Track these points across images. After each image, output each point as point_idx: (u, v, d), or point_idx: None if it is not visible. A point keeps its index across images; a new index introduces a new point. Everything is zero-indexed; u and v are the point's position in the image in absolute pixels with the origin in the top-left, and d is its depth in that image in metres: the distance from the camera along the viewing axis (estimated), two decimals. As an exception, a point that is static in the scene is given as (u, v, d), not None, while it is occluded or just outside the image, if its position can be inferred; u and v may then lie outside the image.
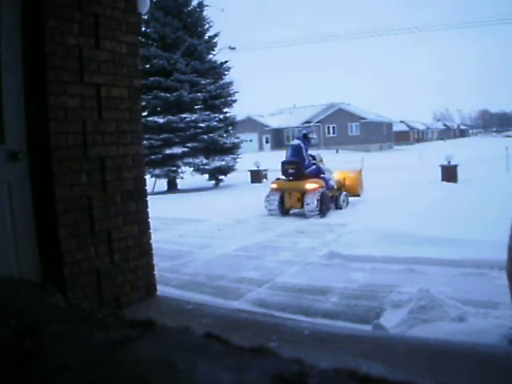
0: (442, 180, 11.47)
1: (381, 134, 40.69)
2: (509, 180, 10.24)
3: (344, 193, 8.45)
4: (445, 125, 75.42)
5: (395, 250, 4.67)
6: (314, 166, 8.05)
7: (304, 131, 8.39)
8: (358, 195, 8.89)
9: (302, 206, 7.56)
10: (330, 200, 8.13)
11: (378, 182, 10.56)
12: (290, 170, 7.86)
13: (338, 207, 8.22)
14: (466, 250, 4.40)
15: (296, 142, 8.18)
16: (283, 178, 8.17)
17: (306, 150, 8.01)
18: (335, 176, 8.74)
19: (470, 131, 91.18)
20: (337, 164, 10.32)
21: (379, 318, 2.95)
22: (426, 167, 14.88)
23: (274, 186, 8.00)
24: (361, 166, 9.20)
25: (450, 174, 11.43)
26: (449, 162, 11.70)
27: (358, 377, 0.31)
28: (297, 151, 7.94)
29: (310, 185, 7.55)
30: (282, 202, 7.83)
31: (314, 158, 8.29)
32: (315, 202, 7.30)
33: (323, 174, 8.05)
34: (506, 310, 2.75)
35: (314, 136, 8.59)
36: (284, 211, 7.90)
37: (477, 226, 5.21)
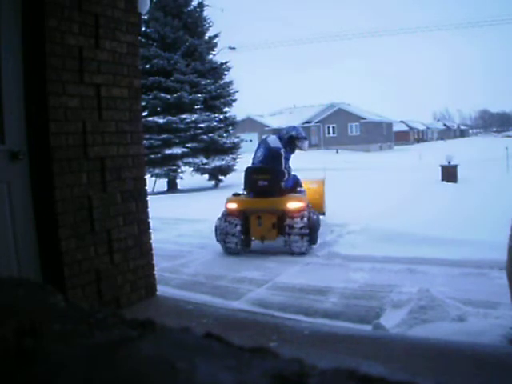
0: (442, 180, 11.49)
1: (381, 134, 40.68)
2: (509, 180, 10.24)
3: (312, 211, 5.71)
4: (445, 125, 75.43)
5: (395, 250, 4.67)
6: (292, 176, 5.63)
7: (293, 132, 5.62)
8: (323, 213, 6.50)
9: (277, 236, 5.13)
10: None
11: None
12: (261, 182, 5.16)
13: None
14: (466, 250, 4.41)
15: (275, 143, 5.46)
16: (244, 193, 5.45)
17: (287, 160, 5.48)
18: None
19: (470, 131, 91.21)
20: (336, 165, 10.08)
21: (379, 318, 2.95)
22: (426, 167, 14.87)
23: (233, 205, 5.18)
24: (323, 174, 7.03)
25: (450, 174, 11.45)
26: (449, 162, 11.72)
27: (358, 377, 0.31)
28: (273, 157, 5.32)
29: (292, 203, 5.05)
30: (245, 231, 5.13)
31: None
32: (304, 227, 4.89)
33: (300, 185, 5.69)
34: (506, 310, 2.75)
35: (305, 142, 5.79)
36: (247, 244, 5.26)
37: (477, 226, 5.21)
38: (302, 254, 4.91)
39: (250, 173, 5.34)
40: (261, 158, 5.43)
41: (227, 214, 5.18)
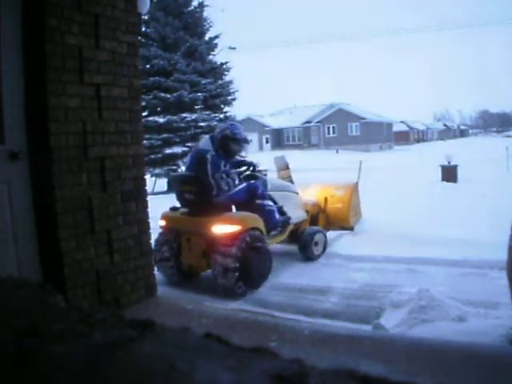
0: (442, 180, 11.49)
1: (381, 134, 40.67)
2: (509, 180, 10.24)
3: (315, 228, 4.77)
4: (445, 125, 75.36)
5: (395, 250, 4.67)
6: (244, 185, 4.22)
7: (227, 131, 4.15)
8: (350, 228, 5.31)
9: (209, 267, 3.81)
10: (290, 241, 4.62)
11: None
12: (188, 195, 4.00)
13: (308, 256, 4.61)
14: (466, 250, 4.41)
15: (204, 145, 4.17)
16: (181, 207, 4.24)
17: (217, 166, 3.98)
18: (310, 195, 5.20)
19: (470, 131, 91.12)
20: (337, 165, 10.02)
21: (379, 318, 2.95)
22: (426, 167, 14.87)
23: (163, 223, 4.17)
24: (357, 176, 5.79)
25: (449, 174, 11.46)
26: (449, 162, 11.74)
27: (358, 377, 0.31)
28: (198, 163, 4.00)
29: (219, 227, 3.73)
30: (178, 252, 4.00)
31: (253, 177, 4.51)
32: (231, 266, 3.57)
33: (262, 197, 4.22)
34: (506, 310, 2.75)
35: (243, 145, 4.35)
36: (182, 271, 4.03)
37: (477, 226, 5.21)
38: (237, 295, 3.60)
39: (175, 182, 4.21)
40: (188, 163, 4.23)
41: (161, 232, 4.14)
